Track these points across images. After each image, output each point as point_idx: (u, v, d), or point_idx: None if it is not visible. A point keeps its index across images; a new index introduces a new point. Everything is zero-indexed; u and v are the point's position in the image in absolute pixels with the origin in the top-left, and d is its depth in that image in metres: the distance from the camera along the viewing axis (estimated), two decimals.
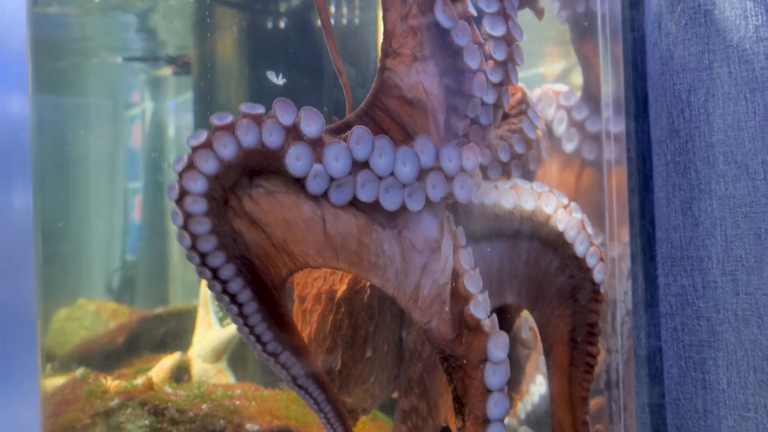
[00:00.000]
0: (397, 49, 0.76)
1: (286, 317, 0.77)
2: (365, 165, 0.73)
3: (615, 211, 1.09)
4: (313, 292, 0.92)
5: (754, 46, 0.90)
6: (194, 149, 0.68)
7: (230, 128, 0.69)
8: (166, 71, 1.89)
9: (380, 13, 0.78)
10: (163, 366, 1.41)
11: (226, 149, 0.68)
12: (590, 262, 0.95)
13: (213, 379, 1.50)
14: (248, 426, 1.09)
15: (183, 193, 0.68)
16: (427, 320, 0.78)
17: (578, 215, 0.93)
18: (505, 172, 0.95)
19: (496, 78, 0.85)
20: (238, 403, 1.13)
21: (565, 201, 0.91)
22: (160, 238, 2.39)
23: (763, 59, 0.90)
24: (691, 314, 0.96)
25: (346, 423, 0.81)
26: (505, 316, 0.97)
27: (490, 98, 0.83)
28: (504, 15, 0.85)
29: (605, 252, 1.06)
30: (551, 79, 1.28)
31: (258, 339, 0.75)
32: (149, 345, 1.71)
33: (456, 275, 0.80)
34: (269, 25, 1.34)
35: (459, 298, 0.80)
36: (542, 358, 0.99)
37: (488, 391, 0.77)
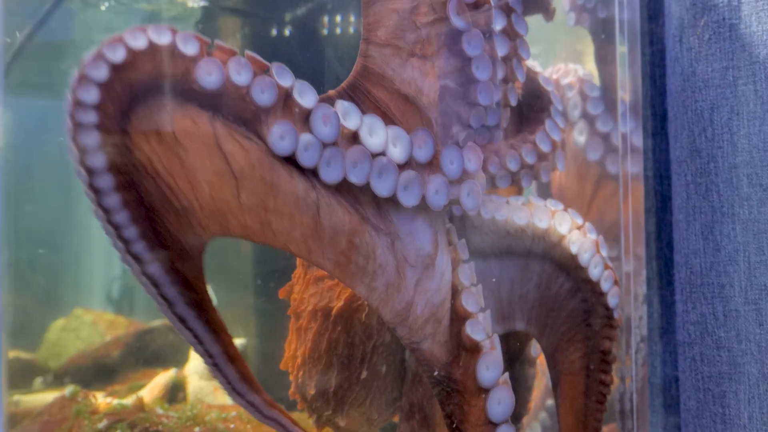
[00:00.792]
0: (388, 40, 0.72)
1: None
2: (355, 139, 0.67)
3: (631, 232, 1.04)
4: (308, 308, 0.88)
5: None
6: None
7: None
8: None
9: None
10: (157, 383, 1.36)
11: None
12: (604, 286, 0.90)
13: (209, 398, 1.45)
14: None
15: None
16: (418, 340, 0.73)
17: (593, 236, 0.89)
18: (515, 182, 0.91)
19: (500, 75, 0.80)
20: (232, 426, 1.08)
21: (580, 221, 0.86)
22: None
23: None
24: (710, 344, 0.90)
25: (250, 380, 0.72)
26: (512, 343, 0.92)
27: (495, 97, 0.78)
28: (506, 8, 0.81)
29: (620, 275, 1.01)
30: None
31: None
32: (145, 359, 1.67)
33: (455, 292, 0.75)
34: (273, 33, 1.31)
35: (457, 317, 0.75)
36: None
37: (491, 424, 0.72)
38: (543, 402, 1.27)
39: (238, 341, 1.51)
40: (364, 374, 0.85)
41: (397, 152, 0.69)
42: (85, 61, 0.59)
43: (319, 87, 0.98)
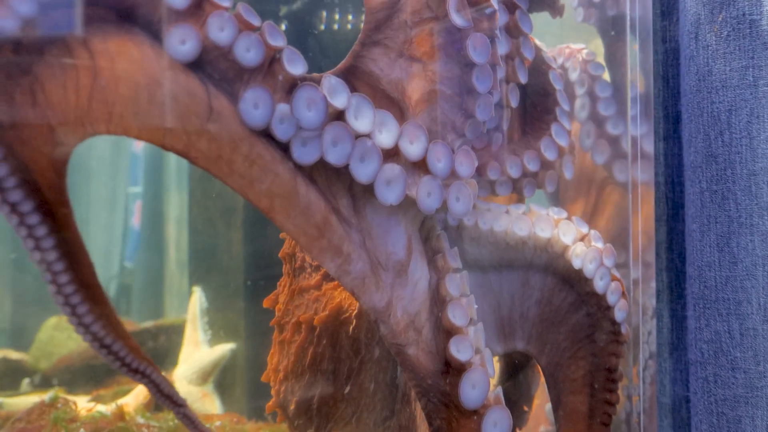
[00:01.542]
0: (380, 40, 0.66)
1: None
2: (339, 117, 0.61)
3: (640, 241, 0.98)
4: (292, 320, 0.82)
5: None
6: None
7: None
8: None
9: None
10: (142, 389, 1.31)
11: None
12: (611, 299, 0.85)
13: (197, 404, 1.40)
14: None
15: None
16: (403, 344, 0.67)
17: (599, 245, 0.83)
18: (516, 190, 0.84)
19: (500, 75, 0.74)
20: None
21: (585, 230, 0.80)
22: (158, 246, 2.33)
23: None
24: (725, 364, 0.84)
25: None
26: (511, 362, 0.86)
27: (495, 99, 0.72)
28: (509, 4, 0.74)
29: (627, 287, 0.95)
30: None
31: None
32: None
33: (442, 303, 0.69)
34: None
35: (443, 330, 0.69)
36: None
37: None
38: (546, 414, 1.21)
39: (228, 346, 1.46)
40: (346, 389, 0.79)
41: (384, 138, 0.62)
42: None
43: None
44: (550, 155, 0.82)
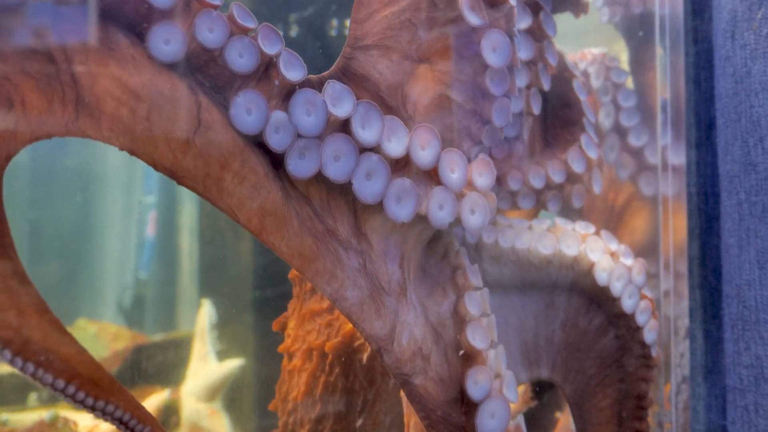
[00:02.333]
0: (376, 41, 0.60)
1: None
2: (344, 127, 0.56)
3: (672, 256, 0.91)
4: (303, 347, 0.76)
5: None
6: None
7: None
8: None
9: None
10: (148, 406, 1.27)
11: None
12: (640, 319, 0.79)
13: (205, 421, 1.36)
14: None
15: None
16: (409, 373, 0.61)
17: (627, 261, 0.77)
18: (540, 203, 0.78)
19: (521, 81, 0.68)
20: None
21: (614, 246, 0.74)
22: (171, 257, 2.30)
23: None
24: None
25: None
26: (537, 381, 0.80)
27: (515, 106, 0.66)
28: (532, 5, 0.68)
29: (657, 306, 0.88)
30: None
31: None
32: (144, 376, 1.59)
33: (461, 323, 0.63)
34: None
35: (459, 354, 0.62)
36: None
37: None
38: None
39: (236, 362, 1.41)
40: (361, 423, 0.73)
41: (393, 147, 0.57)
42: None
43: None
44: (578, 167, 0.75)
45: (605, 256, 0.73)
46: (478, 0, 0.62)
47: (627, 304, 0.76)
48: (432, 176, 0.59)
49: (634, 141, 0.99)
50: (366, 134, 0.56)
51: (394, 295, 0.59)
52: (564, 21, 0.86)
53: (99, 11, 0.50)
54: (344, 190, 0.56)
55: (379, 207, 0.56)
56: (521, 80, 0.71)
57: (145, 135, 0.50)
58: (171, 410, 1.34)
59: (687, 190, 0.92)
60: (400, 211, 0.57)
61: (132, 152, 0.53)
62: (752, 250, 0.79)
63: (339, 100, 0.56)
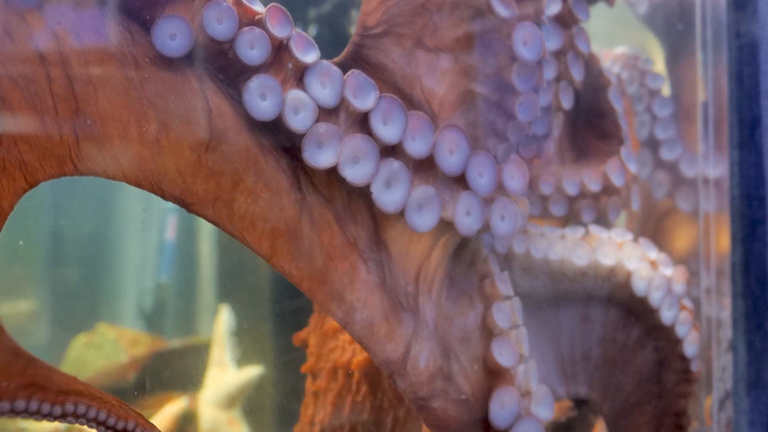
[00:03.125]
0: (387, 29, 0.56)
1: None
2: (363, 123, 0.52)
3: (713, 263, 0.86)
4: (327, 366, 0.73)
5: None
6: None
7: None
8: None
9: None
10: (165, 415, 1.25)
11: None
12: (680, 331, 0.74)
13: (223, 430, 1.33)
14: None
15: None
16: (426, 397, 0.56)
17: (667, 271, 0.72)
18: (572, 212, 0.73)
19: (549, 73, 0.63)
20: None
21: (653, 254, 0.69)
22: (191, 262, 2.30)
23: None
24: None
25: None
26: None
27: (543, 100, 0.61)
28: None
29: (699, 317, 0.83)
30: None
31: None
32: (162, 383, 1.57)
33: (488, 335, 0.59)
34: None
35: (487, 371, 0.58)
36: None
37: None
38: None
39: (255, 370, 1.39)
40: None
41: (416, 146, 0.53)
42: None
43: None
44: (616, 180, 0.71)
45: (643, 264, 0.68)
46: None
47: (666, 315, 0.72)
48: (459, 180, 0.55)
49: (667, 154, 0.93)
50: (387, 131, 0.52)
51: (410, 312, 0.55)
52: (590, 22, 0.82)
53: (99, 4, 0.46)
54: (364, 191, 0.53)
55: (399, 214, 0.52)
56: (549, 72, 0.66)
57: (152, 161, 0.46)
58: (188, 418, 1.31)
59: (729, 192, 0.87)
60: (422, 220, 0.53)
61: (139, 186, 0.49)
62: None
63: (361, 92, 0.52)
